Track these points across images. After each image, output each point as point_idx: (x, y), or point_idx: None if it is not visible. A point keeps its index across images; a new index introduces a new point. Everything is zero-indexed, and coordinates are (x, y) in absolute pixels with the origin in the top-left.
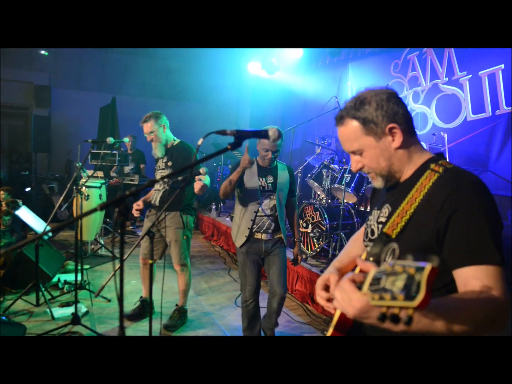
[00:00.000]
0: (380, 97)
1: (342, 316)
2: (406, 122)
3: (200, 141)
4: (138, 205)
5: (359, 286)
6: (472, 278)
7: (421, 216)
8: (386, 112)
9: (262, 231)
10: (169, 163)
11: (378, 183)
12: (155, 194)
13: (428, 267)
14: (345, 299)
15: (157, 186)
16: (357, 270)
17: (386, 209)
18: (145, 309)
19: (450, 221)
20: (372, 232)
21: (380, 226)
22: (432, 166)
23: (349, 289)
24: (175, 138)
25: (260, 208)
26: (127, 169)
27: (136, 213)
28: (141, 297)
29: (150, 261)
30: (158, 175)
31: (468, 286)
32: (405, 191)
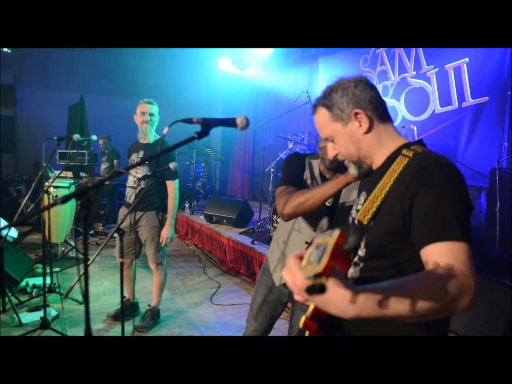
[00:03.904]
0: (347, 84)
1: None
2: (374, 107)
3: (165, 130)
4: None
5: None
6: (433, 255)
7: (390, 201)
8: (352, 98)
9: None
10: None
11: (352, 170)
12: (130, 192)
13: (336, 232)
14: (291, 277)
15: (131, 183)
16: None
17: (362, 197)
18: (129, 309)
19: (413, 203)
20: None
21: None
22: (404, 151)
23: (292, 265)
24: (156, 135)
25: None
26: (102, 168)
27: None
28: (124, 297)
29: (120, 260)
30: (133, 171)
31: (429, 264)
32: (378, 178)
